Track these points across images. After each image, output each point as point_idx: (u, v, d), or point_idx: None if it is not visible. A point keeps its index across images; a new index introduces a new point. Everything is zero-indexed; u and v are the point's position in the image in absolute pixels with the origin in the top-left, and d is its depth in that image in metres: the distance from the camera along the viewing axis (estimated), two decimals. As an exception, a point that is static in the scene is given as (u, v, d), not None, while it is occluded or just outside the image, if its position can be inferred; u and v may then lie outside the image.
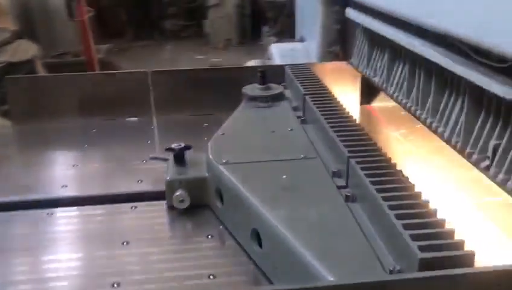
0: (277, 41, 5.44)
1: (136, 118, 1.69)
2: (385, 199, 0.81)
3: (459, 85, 0.98)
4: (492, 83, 0.76)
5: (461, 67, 0.86)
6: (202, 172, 1.13)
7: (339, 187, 0.98)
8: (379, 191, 0.84)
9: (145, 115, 1.68)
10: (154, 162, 1.32)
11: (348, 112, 1.24)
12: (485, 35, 0.76)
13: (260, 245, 0.92)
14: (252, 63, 2.36)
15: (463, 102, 0.97)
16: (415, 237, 0.71)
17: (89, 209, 1.14)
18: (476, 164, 0.92)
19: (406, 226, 0.74)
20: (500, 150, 0.85)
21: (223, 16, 7.27)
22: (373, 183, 0.86)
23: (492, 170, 0.86)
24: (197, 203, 1.11)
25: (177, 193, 1.10)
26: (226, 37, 7.32)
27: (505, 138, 0.84)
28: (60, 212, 1.12)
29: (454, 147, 1.00)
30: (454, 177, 1.19)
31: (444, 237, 0.72)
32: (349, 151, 0.99)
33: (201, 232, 1.05)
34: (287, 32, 5.45)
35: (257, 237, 0.92)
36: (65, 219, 1.12)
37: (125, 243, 1.00)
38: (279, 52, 2.00)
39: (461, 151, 0.97)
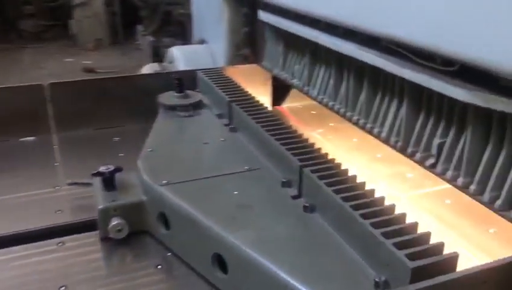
0: (154, 41, 5.28)
1: (32, 138, 1.49)
2: (354, 207, 0.81)
3: (394, 86, 1.02)
4: (449, 87, 0.79)
5: (408, 70, 0.89)
6: (138, 196, 1.02)
7: (293, 197, 0.95)
8: (344, 199, 0.83)
9: (43, 133, 1.49)
10: (70, 188, 1.17)
11: (280, 118, 1.23)
12: (436, 40, 0.79)
13: (224, 270, 0.86)
14: (148, 67, 2.24)
15: (400, 102, 1.01)
16: (398, 246, 0.71)
17: (4, 253, 0.96)
18: (420, 163, 0.96)
19: (385, 235, 0.74)
20: (446, 148, 0.89)
21: (91, 15, 6.83)
22: (335, 191, 0.85)
23: (439, 168, 0.91)
24: (134, 231, 1.01)
25: (114, 223, 0.98)
26: (96, 37, 6.91)
27: (450, 137, 0.89)
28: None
29: (393, 147, 1.04)
30: (378, 173, 1.24)
31: (424, 242, 0.73)
32: (300, 160, 0.97)
33: (148, 263, 0.95)
34: (167, 32, 5.31)
35: (219, 262, 0.86)
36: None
37: (62, 288, 0.87)
38: (182, 56, 1.91)
39: (402, 151, 1.01)
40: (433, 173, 0.93)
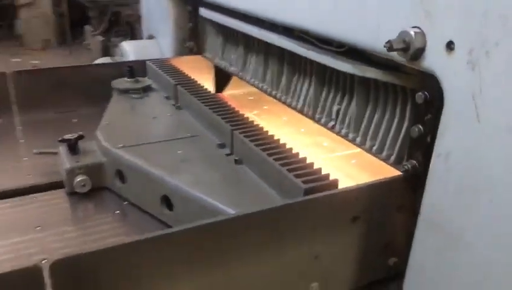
0: (104, 40, 5.37)
1: (-1, 120, 1.66)
2: (269, 155, 1.06)
3: (306, 67, 1.29)
4: (340, 63, 1.06)
5: (313, 52, 1.16)
6: (98, 158, 1.24)
7: (226, 155, 1.20)
8: (262, 150, 1.09)
9: (7, 116, 1.67)
10: (36, 157, 1.37)
11: (217, 96, 1.47)
12: (331, 28, 1.06)
13: (170, 208, 1.09)
14: (100, 60, 2.42)
15: (310, 80, 1.27)
16: (297, 176, 0.97)
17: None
18: (324, 125, 1.23)
19: (288, 170, 1.00)
20: (341, 112, 1.16)
21: (38, 15, 6.82)
22: (257, 146, 1.11)
23: (336, 128, 1.18)
24: (95, 187, 1.22)
25: (79, 179, 1.19)
26: (44, 38, 6.90)
27: (344, 103, 1.16)
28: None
29: (306, 115, 1.30)
30: (301, 143, 1.51)
31: (316, 173, 0.99)
32: (231, 126, 1.21)
33: (107, 210, 1.17)
34: (116, 32, 5.44)
35: (166, 202, 1.09)
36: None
37: (38, 228, 1.07)
38: (132, 49, 2.12)
39: (312, 118, 1.27)
40: (333, 132, 1.20)
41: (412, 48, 0.80)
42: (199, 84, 1.58)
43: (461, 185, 0.77)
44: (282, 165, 1.02)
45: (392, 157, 1.01)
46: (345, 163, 1.33)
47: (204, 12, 1.70)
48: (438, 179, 0.81)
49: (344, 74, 1.12)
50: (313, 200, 0.89)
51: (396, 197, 0.95)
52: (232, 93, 2.01)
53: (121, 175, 1.20)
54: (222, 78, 1.91)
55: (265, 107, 1.82)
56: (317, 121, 1.25)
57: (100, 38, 5.40)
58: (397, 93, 0.99)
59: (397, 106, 1.00)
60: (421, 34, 0.80)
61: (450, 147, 0.78)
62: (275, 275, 0.90)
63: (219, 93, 2.04)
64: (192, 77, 1.65)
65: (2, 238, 1.03)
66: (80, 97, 1.75)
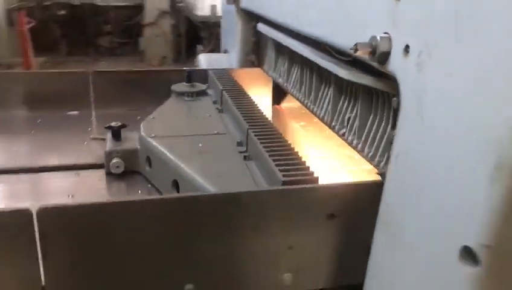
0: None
1: (76, 112, 1.93)
2: (268, 151, 1.14)
3: (329, 77, 1.34)
4: (337, 68, 1.12)
5: (328, 63, 1.22)
6: (135, 145, 1.41)
7: (241, 152, 1.30)
8: (266, 148, 1.16)
9: (85, 110, 1.93)
10: (93, 142, 1.59)
11: (254, 102, 1.57)
12: (338, 39, 1.12)
13: (177, 191, 1.21)
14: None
15: (329, 89, 1.33)
16: (282, 170, 1.03)
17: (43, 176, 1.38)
18: (337, 133, 1.27)
19: (278, 165, 1.06)
20: (351, 120, 1.20)
21: (159, 34, 7.53)
22: (263, 143, 1.19)
23: (346, 135, 1.22)
24: (130, 170, 1.39)
25: (114, 161, 1.37)
26: (161, 55, 7.58)
27: (353, 112, 1.20)
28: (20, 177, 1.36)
29: (325, 123, 1.35)
30: (332, 152, 1.56)
31: (302, 169, 1.05)
32: (249, 126, 1.31)
33: (133, 189, 1.32)
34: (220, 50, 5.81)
35: (176, 186, 1.22)
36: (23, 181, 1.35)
37: (70, 196, 1.26)
38: (206, 61, 2.32)
39: (329, 125, 1.32)
40: (343, 139, 1.24)
41: (377, 52, 0.84)
42: (245, 92, 1.70)
43: (406, 185, 0.78)
44: (275, 160, 1.09)
45: (382, 164, 1.03)
46: (368, 176, 1.36)
47: (260, 27, 1.83)
48: (390, 180, 0.83)
49: (353, 82, 1.16)
50: (284, 190, 0.96)
51: (374, 200, 0.97)
52: (288, 106, 2.10)
53: (149, 161, 1.35)
54: (280, 91, 2.01)
55: (314, 120, 1.89)
56: (333, 129, 1.30)
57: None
58: (386, 99, 1.02)
59: (385, 112, 1.02)
60: (387, 39, 0.83)
61: (400, 148, 0.80)
62: (248, 261, 0.98)
63: (276, 106, 2.15)
64: (242, 86, 1.78)
65: (34, 200, 1.23)
66: (147, 97, 1.97)
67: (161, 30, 7.54)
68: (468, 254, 0.63)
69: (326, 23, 1.15)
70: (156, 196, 0.89)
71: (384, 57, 0.84)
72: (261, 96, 2.01)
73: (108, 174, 1.39)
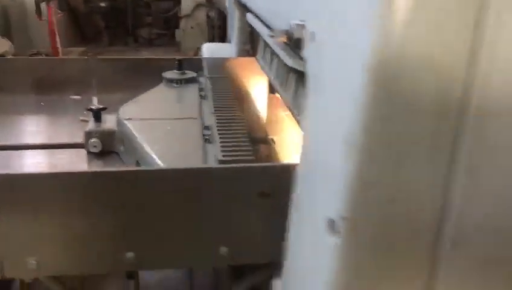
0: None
1: (79, 96, 2.06)
2: (221, 135, 1.21)
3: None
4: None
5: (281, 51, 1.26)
6: (113, 126, 1.51)
7: (204, 135, 1.37)
8: (221, 132, 1.23)
9: (87, 95, 2.06)
10: (82, 123, 1.71)
11: (231, 90, 1.64)
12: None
13: (141, 170, 1.30)
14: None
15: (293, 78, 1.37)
16: (223, 151, 1.10)
17: (24, 153, 1.50)
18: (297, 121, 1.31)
19: (224, 146, 1.13)
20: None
21: (194, 26, 7.69)
22: (220, 128, 1.26)
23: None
24: (108, 150, 1.49)
25: (92, 140, 1.47)
26: (196, 45, 7.73)
27: (307, 98, 1.24)
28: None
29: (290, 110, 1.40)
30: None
31: (243, 151, 1.11)
32: (215, 110, 1.38)
33: (108, 167, 1.43)
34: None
35: (139, 166, 1.30)
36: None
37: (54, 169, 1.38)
38: (207, 50, 2.40)
39: (292, 113, 1.36)
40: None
41: (292, 38, 0.89)
42: (231, 80, 1.76)
43: (302, 164, 0.84)
44: (223, 142, 1.16)
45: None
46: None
47: (248, 16, 1.89)
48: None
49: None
50: (217, 169, 1.02)
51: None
52: (284, 96, 2.15)
53: (122, 142, 1.45)
54: (274, 80, 2.06)
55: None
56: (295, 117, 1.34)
57: (236, 47, 5.89)
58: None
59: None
60: (301, 26, 0.88)
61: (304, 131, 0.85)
62: (186, 234, 1.05)
63: (272, 94, 2.20)
64: (237, 75, 1.85)
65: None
66: (147, 84, 2.07)
67: (196, 22, 7.69)
68: (331, 226, 0.67)
69: (269, 9, 1.20)
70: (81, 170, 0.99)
71: (299, 43, 0.88)
72: (257, 85, 2.07)
73: (89, 153, 1.49)
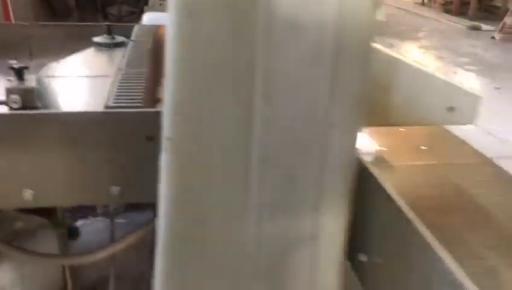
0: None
1: (15, 61, 2.13)
2: (119, 87, 1.31)
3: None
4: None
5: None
6: (33, 84, 1.60)
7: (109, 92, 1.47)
8: (121, 85, 1.34)
9: (23, 60, 2.13)
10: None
11: (149, 53, 1.74)
12: None
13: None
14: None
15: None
16: (115, 99, 1.21)
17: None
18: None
19: (117, 96, 1.23)
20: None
21: (163, 2, 7.69)
22: (122, 82, 1.36)
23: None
24: (29, 106, 1.58)
25: (11, 96, 1.56)
26: (164, 23, 7.75)
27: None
28: None
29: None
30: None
31: (133, 100, 1.22)
32: (124, 67, 1.48)
33: (24, 121, 1.52)
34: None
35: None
36: None
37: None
38: (147, 19, 2.48)
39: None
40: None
41: None
42: (153, 44, 1.86)
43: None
44: (119, 93, 1.26)
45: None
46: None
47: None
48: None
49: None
50: (103, 113, 1.13)
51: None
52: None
53: (40, 98, 1.54)
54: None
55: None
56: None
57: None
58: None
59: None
60: None
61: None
62: (77, 173, 1.16)
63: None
64: (156, 41, 1.94)
65: None
66: (82, 48, 2.16)
67: (165, -2, 7.69)
68: (164, 146, 0.79)
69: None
70: None
71: None
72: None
73: (11, 109, 1.58)
